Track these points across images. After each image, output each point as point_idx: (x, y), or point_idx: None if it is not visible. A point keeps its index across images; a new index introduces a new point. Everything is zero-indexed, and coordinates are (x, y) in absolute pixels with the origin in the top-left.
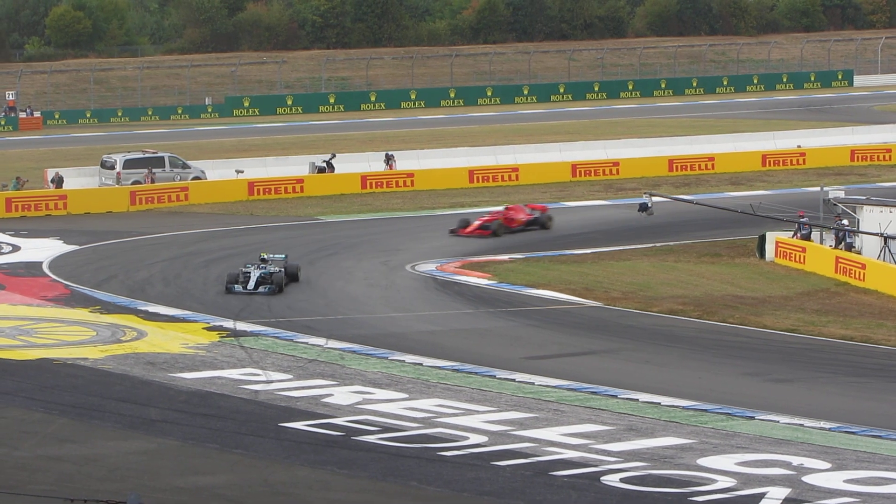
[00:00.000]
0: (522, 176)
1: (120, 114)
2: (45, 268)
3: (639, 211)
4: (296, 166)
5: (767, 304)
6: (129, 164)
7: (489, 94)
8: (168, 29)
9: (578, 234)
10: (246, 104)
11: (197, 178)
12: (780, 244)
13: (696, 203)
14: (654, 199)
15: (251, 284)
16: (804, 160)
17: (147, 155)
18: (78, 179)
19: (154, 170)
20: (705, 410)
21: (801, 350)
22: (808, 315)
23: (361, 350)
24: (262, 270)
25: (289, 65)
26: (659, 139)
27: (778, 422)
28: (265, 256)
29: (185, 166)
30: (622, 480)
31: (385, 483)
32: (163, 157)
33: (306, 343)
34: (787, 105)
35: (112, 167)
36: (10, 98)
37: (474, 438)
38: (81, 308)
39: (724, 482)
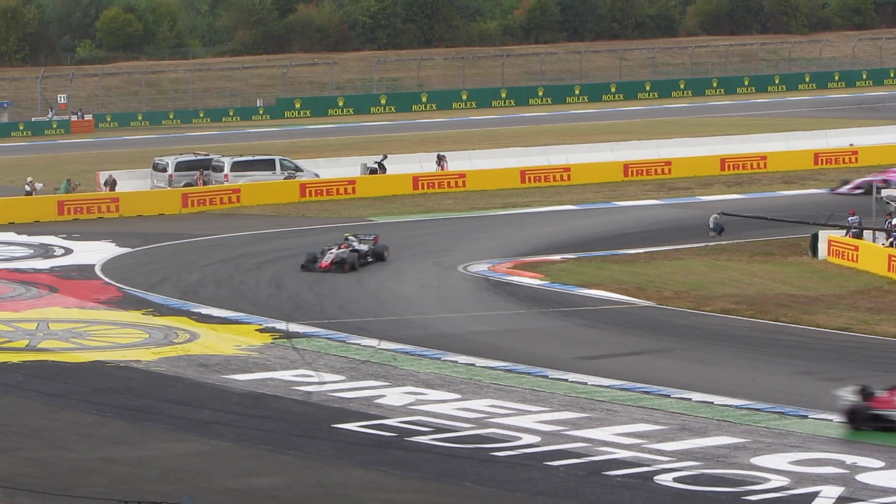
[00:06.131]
0: (574, 176)
1: (171, 116)
2: (97, 270)
3: (714, 234)
4: (347, 167)
5: (820, 302)
6: (181, 166)
7: (540, 94)
8: (219, 31)
9: (630, 234)
10: (297, 106)
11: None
12: (832, 243)
13: (771, 219)
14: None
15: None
16: (857, 158)
17: (199, 157)
18: (130, 182)
19: (265, 171)
20: (758, 409)
21: (855, 348)
22: (861, 313)
23: (414, 351)
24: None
25: (340, 66)
26: (711, 138)
27: (831, 420)
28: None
29: (297, 168)
30: (675, 480)
31: (438, 483)
32: (274, 160)
33: (359, 344)
34: (840, 103)
35: (164, 170)
36: (62, 101)
37: (527, 438)
38: (134, 310)
39: (778, 481)
